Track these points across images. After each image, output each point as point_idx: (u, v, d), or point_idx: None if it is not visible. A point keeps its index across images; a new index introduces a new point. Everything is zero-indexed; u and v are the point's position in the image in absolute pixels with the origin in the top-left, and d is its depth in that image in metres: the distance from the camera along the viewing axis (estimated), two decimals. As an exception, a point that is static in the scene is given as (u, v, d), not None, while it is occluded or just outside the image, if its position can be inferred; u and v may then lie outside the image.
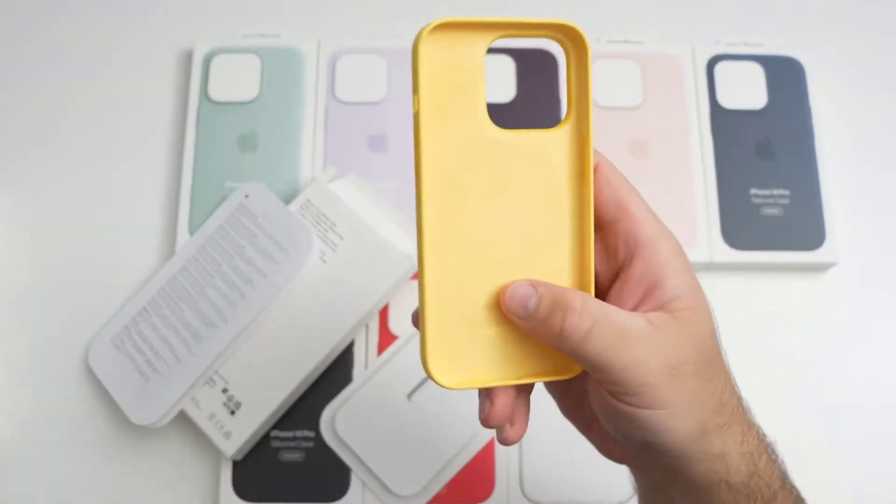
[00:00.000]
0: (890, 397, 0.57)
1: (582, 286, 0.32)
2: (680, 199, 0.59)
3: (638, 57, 0.62)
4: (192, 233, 0.57)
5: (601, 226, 0.32)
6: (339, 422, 0.52)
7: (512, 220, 0.31)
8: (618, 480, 0.52)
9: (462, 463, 0.52)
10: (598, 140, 0.62)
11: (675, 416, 0.29)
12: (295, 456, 0.53)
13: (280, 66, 0.61)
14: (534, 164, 0.31)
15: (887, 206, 0.61)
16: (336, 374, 0.54)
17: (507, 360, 0.32)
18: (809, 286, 0.59)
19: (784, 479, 0.33)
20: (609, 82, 0.61)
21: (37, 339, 0.57)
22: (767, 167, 0.60)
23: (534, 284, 0.30)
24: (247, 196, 0.56)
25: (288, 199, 0.57)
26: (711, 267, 0.58)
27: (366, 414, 0.52)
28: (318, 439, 0.53)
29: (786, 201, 0.59)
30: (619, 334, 0.29)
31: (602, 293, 0.32)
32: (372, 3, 0.66)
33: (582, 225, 0.31)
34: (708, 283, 0.59)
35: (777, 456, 0.33)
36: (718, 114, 0.61)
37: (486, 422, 0.32)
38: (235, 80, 0.61)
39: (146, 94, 0.63)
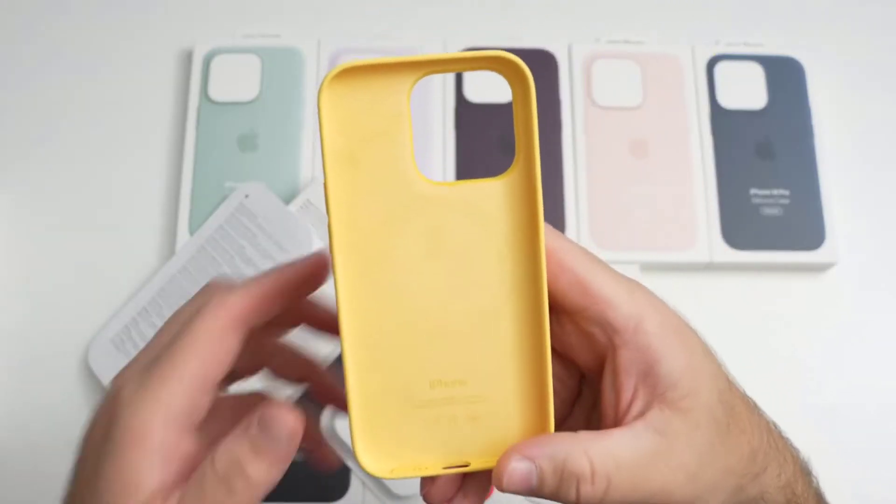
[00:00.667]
0: (890, 397, 0.57)
1: (534, 372, 0.27)
2: (680, 199, 0.59)
3: (638, 57, 0.62)
4: (192, 233, 0.57)
5: (570, 312, 0.28)
6: (338, 422, 0.52)
7: (450, 290, 0.27)
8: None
9: (462, 463, 0.52)
10: (599, 140, 0.63)
11: (705, 501, 0.28)
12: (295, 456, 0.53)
13: (280, 66, 0.61)
14: (472, 221, 0.26)
15: (887, 206, 0.61)
16: (336, 374, 0.54)
17: (453, 443, 0.27)
18: (809, 286, 0.59)
19: (819, 498, 0.32)
20: (609, 82, 0.61)
21: (37, 339, 0.57)
22: (767, 167, 0.60)
23: (528, 456, 0.27)
24: (247, 196, 0.56)
25: (288, 199, 0.57)
26: (711, 267, 0.58)
27: (366, 414, 0.52)
28: (318, 439, 0.53)
29: (786, 201, 0.59)
30: (634, 475, 0.26)
31: (593, 375, 0.30)
32: (372, 3, 0.66)
33: (535, 294, 0.27)
34: (708, 283, 0.60)
35: (812, 476, 0.33)
36: (718, 114, 0.61)
37: (426, 498, 0.29)
38: (235, 80, 0.61)
39: (146, 94, 0.63)
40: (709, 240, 0.58)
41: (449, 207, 0.26)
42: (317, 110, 0.25)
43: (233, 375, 0.31)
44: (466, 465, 0.27)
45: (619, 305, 0.27)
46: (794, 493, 0.31)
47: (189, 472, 0.27)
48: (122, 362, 0.53)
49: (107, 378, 0.54)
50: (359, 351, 0.27)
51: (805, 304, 0.59)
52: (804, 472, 0.32)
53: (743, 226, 0.58)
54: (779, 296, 0.59)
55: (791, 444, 0.32)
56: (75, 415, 0.56)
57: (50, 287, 0.58)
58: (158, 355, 0.28)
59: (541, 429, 0.28)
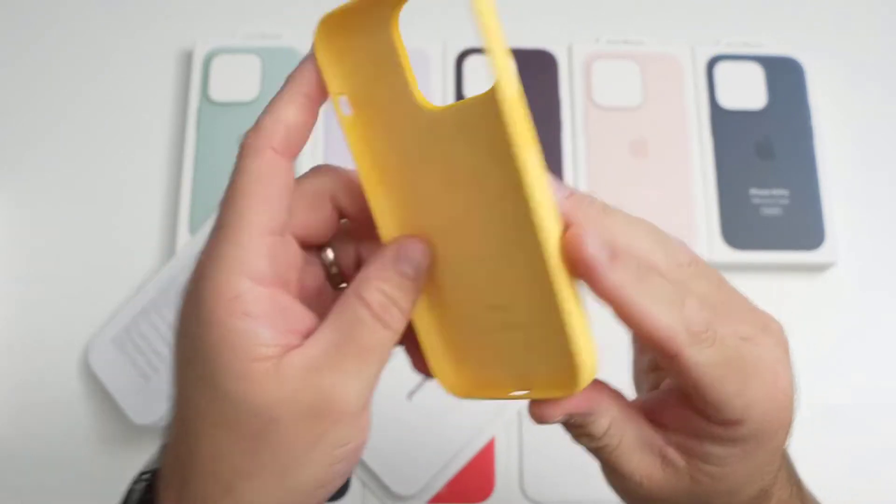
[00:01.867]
0: (890, 397, 0.57)
1: (554, 303, 0.24)
2: (680, 199, 0.59)
3: (638, 57, 0.62)
4: (192, 233, 0.57)
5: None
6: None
7: (470, 218, 0.25)
8: (618, 480, 0.52)
9: (462, 463, 0.52)
10: (599, 140, 0.63)
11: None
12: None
13: (280, 66, 0.61)
14: (467, 143, 0.24)
15: (887, 206, 0.61)
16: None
17: (515, 367, 0.27)
18: (809, 286, 0.59)
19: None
20: (609, 82, 0.61)
21: (37, 339, 0.57)
22: (767, 167, 0.60)
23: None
24: (247, 196, 0.56)
25: (288, 199, 0.57)
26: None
27: (366, 414, 0.52)
28: (319, 439, 0.53)
29: (786, 201, 0.59)
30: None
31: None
32: (372, 3, 0.66)
33: (529, 221, 0.23)
34: (708, 283, 0.60)
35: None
36: (718, 114, 0.61)
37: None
38: (235, 80, 0.61)
39: (146, 94, 0.63)
40: (708, 240, 0.58)
41: (448, 132, 0.25)
42: (314, 68, 0.26)
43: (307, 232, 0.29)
44: (529, 391, 0.26)
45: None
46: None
47: (303, 328, 0.26)
48: (123, 362, 0.54)
49: (107, 378, 0.54)
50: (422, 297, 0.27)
51: (805, 304, 0.59)
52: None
53: (743, 226, 0.58)
54: (778, 296, 0.59)
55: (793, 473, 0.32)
56: (75, 414, 0.56)
57: (50, 287, 0.58)
58: (219, 215, 0.26)
59: (574, 361, 0.25)
